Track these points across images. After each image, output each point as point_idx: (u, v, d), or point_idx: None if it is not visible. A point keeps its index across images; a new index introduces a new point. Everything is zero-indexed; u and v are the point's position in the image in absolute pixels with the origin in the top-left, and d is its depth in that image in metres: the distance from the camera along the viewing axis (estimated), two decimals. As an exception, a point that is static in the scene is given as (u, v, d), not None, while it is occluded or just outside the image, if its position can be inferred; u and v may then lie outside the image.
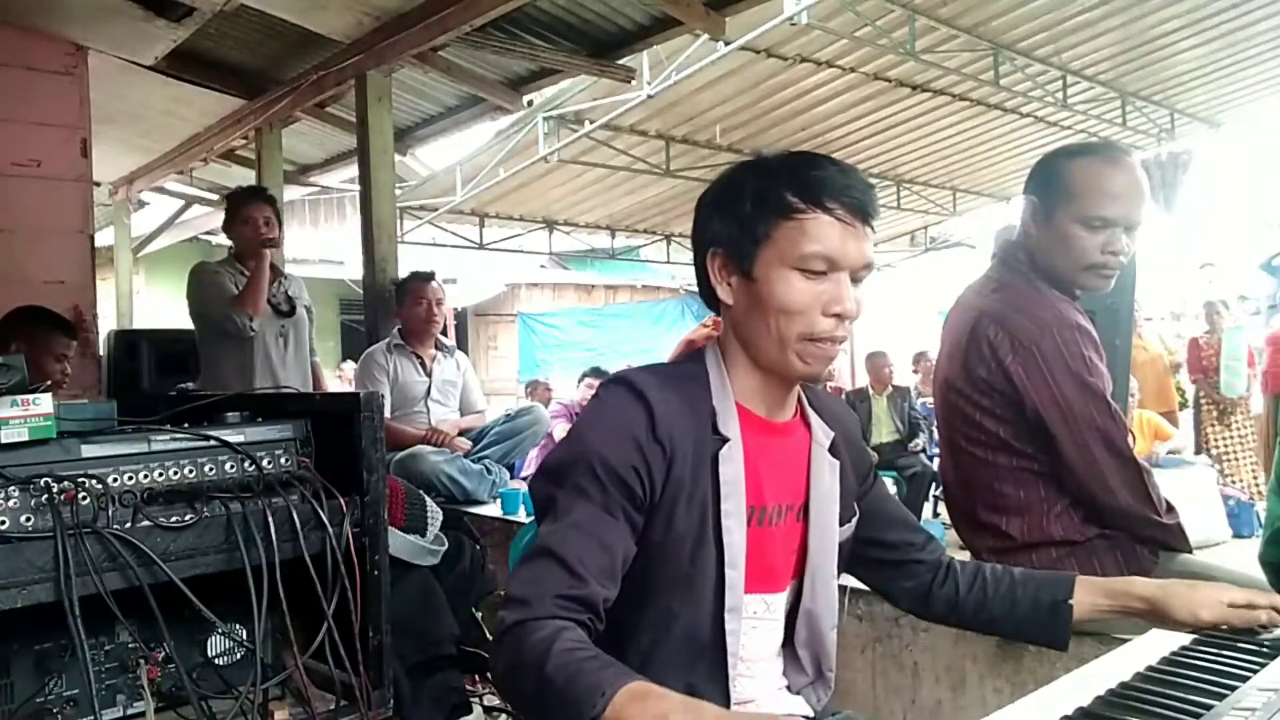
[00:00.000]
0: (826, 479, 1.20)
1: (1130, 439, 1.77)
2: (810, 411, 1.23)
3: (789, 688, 1.23)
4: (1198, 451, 6.80)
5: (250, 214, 3.48)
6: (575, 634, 0.98)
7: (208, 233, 10.14)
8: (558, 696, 0.91)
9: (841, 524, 1.23)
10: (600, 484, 1.06)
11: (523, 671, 0.95)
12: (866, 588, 1.42)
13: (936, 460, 6.18)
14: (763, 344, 1.13)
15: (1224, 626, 1.16)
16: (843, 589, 1.92)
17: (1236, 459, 6.89)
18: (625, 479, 1.07)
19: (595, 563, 1.03)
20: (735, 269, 1.13)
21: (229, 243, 3.66)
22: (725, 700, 1.13)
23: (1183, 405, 7.28)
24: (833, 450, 1.22)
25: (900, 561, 1.34)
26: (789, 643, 1.21)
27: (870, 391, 7.43)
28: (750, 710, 1.16)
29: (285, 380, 3.49)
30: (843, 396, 7.37)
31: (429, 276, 3.83)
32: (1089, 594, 1.26)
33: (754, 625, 1.16)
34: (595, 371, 6.90)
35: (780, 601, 1.20)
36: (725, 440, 1.12)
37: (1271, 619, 1.16)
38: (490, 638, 2.33)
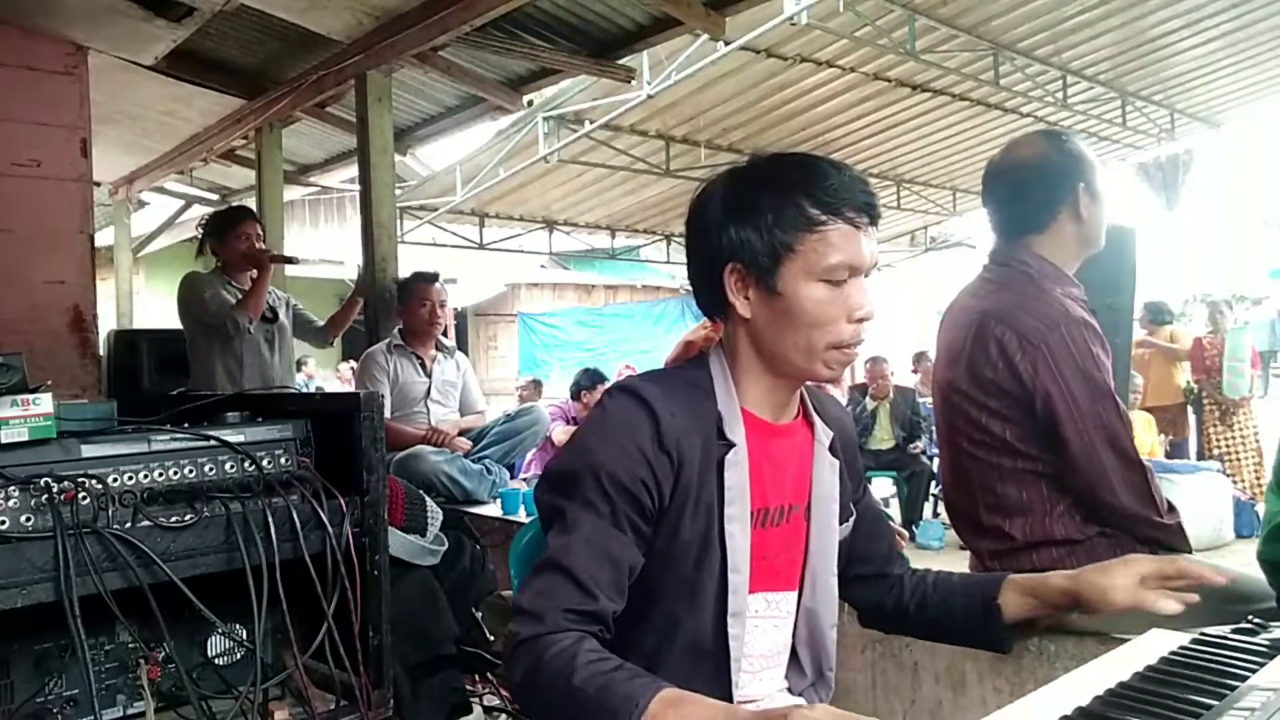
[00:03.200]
0: (827, 478, 1.21)
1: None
2: (812, 411, 1.24)
3: (790, 688, 1.23)
4: (1200, 456, 6.80)
5: (245, 230, 3.69)
6: (593, 644, 1.00)
7: (208, 233, 10.13)
8: (589, 707, 0.93)
9: (840, 522, 1.23)
10: (607, 497, 1.07)
11: (545, 684, 0.98)
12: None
13: (936, 460, 6.18)
14: (788, 355, 1.12)
15: (1144, 608, 1.13)
16: (843, 589, 1.92)
17: (1238, 459, 6.89)
18: (633, 492, 1.07)
19: (604, 577, 1.05)
20: (755, 283, 1.11)
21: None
22: (728, 700, 1.13)
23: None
24: (833, 450, 1.23)
25: (872, 575, 1.34)
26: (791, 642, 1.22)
27: (870, 393, 7.41)
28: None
29: (274, 380, 3.69)
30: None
31: (433, 278, 3.84)
32: (1015, 593, 1.23)
33: (755, 624, 1.17)
34: (589, 374, 6.82)
35: (786, 600, 1.20)
36: (731, 445, 1.12)
37: (1182, 599, 1.12)
38: (490, 638, 2.35)
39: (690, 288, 1.22)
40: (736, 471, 1.12)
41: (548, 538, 1.10)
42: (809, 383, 1.23)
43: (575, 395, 6.77)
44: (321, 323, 4.08)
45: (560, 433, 6.16)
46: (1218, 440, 7.02)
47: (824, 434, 1.22)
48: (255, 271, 3.66)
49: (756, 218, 1.10)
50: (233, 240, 3.67)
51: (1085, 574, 1.19)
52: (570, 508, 1.08)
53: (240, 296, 3.62)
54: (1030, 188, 1.80)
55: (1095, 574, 1.18)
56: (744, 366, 1.16)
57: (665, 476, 1.09)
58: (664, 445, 1.08)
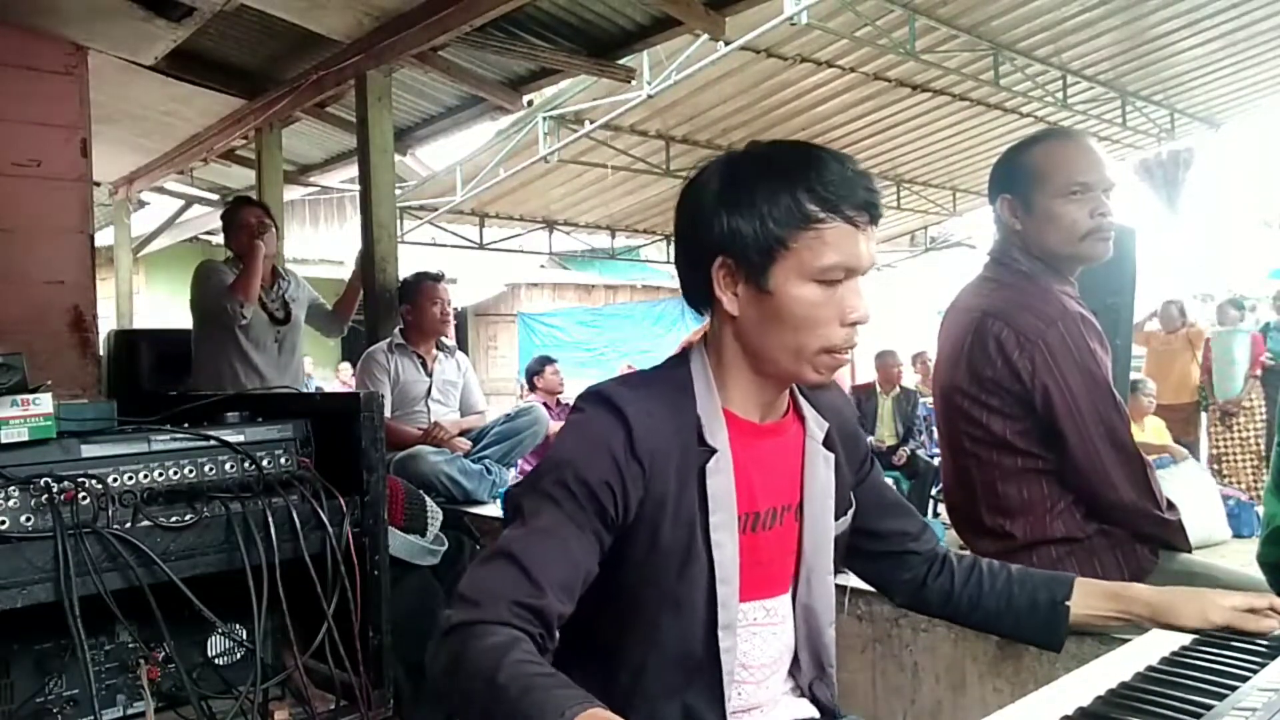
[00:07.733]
0: (821, 474, 1.17)
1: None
2: (804, 404, 1.19)
3: (794, 689, 1.21)
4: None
5: (245, 218, 3.67)
6: (529, 646, 0.93)
7: (208, 233, 10.15)
8: (509, 708, 0.85)
9: (837, 517, 1.19)
10: (571, 494, 1.02)
11: (468, 675, 0.90)
12: (866, 587, 1.41)
13: (937, 459, 6.17)
14: (775, 355, 1.08)
15: (1232, 628, 1.15)
16: (842, 589, 1.92)
17: (1236, 460, 6.90)
18: (598, 494, 1.03)
19: (556, 574, 0.99)
20: (744, 279, 1.06)
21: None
22: (721, 714, 1.11)
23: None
24: (828, 443, 1.18)
25: (894, 553, 1.31)
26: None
27: (877, 389, 7.40)
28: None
29: (275, 384, 3.63)
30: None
31: (440, 276, 3.85)
32: (1088, 596, 1.23)
33: (755, 632, 1.14)
34: (539, 360, 6.75)
35: (781, 604, 1.17)
36: (713, 452, 1.08)
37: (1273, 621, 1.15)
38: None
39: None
40: (720, 479, 1.08)
41: (505, 529, 1.05)
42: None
43: (529, 380, 6.66)
44: (330, 307, 4.08)
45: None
46: (1217, 440, 7.03)
47: (817, 428, 1.18)
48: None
49: (751, 209, 1.04)
50: (235, 230, 3.67)
51: (1176, 593, 1.22)
52: (529, 501, 1.04)
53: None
54: (990, 184, 1.91)
55: (1187, 595, 1.21)
56: (728, 365, 1.12)
57: (634, 485, 1.04)
58: (636, 453, 1.04)
